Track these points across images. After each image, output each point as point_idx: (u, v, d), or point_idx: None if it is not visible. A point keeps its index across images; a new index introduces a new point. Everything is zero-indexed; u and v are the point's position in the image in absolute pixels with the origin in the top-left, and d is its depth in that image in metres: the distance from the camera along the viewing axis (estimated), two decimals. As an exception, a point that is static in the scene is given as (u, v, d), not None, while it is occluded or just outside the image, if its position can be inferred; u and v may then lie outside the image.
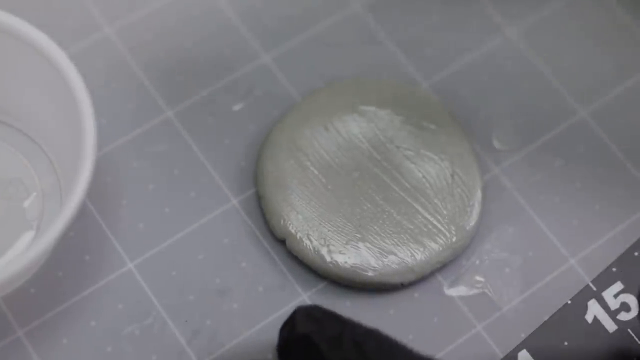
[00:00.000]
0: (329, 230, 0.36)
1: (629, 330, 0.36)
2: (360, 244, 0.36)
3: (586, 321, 0.37)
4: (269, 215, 0.37)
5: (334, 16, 0.41)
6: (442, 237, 0.37)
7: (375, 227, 0.36)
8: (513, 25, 0.42)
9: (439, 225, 0.37)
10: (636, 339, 0.36)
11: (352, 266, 0.36)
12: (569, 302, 0.37)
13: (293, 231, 0.36)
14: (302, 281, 0.36)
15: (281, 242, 0.37)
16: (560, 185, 0.39)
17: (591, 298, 0.37)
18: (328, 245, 0.36)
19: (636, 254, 0.38)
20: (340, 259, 0.36)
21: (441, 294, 0.37)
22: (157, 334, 0.35)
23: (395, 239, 0.36)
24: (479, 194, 0.38)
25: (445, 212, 0.37)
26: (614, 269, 0.37)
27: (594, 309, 0.37)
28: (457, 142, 0.38)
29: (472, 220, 0.37)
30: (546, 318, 0.37)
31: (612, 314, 0.37)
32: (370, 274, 0.36)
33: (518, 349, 0.36)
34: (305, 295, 0.36)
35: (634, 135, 0.40)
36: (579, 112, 0.40)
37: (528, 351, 0.36)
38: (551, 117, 0.40)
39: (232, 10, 0.41)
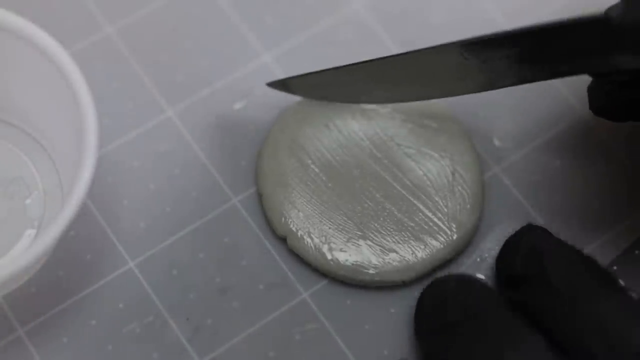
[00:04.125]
0: (329, 228, 0.36)
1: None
2: (361, 242, 0.36)
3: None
4: (270, 213, 0.37)
5: (334, 16, 0.42)
6: (442, 235, 0.37)
7: (376, 225, 0.37)
8: (515, 24, 0.42)
9: (439, 223, 0.37)
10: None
11: (353, 264, 0.36)
12: (570, 300, 0.37)
13: (294, 229, 0.36)
14: (302, 279, 0.36)
15: (282, 240, 0.37)
16: (561, 183, 0.39)
17: (592, 296, 0.37)
18: (329, 243, 0.36)
19: (637, 252, 0.38)
20: (341, 256, 0.36)
21: (442, 292, 0.37)
22: (158, 332, 0.35)
23: (396, 237, 0.36)
24: (479, 192, 0.38)
25: (446, 209, 0.37)
26: (614, 268, 0.37)
27: (594, 307, 0.37)
28: (458, 140, 0.38)
29: (473, 218, 0.37)
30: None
31: (613, 312, 0.37)
32: (371, 271, 0.36)
33: (519, 347, 0.36)
34: (306, 294, 0.36)
35: (633, 134, 0.40)
36: (579, 110, 0.40)
37: (529, 349, 0.36)
38: (552, 116, 0.40)
39: (232, 10, 0.41)
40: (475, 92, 0.37)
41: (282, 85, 0.38)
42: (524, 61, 0.35)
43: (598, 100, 0.36)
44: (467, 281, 0.34)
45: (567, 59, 0.34)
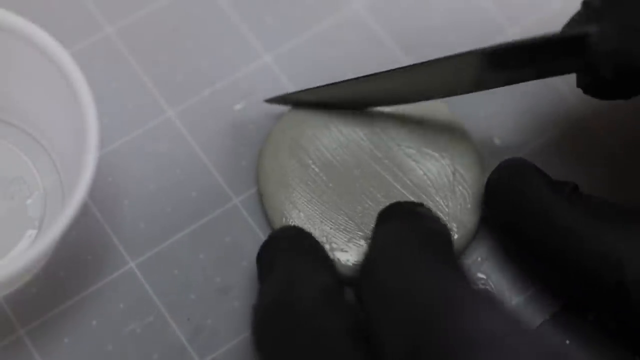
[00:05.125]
0: (330, 228, 0.36)
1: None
2: (362, 242, 0.36)
3: (588, 319, 0.37)
4: (271, 213, 0.37)
5: (334, 16, 0.42)
6: (443, 235, 0.37)
7: (377, 225, 0.37)
8: (515, 25, 0.42)
9: (440, 223, 0.37)
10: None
11: (354, 264, 0.36)
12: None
13: (295, 229, 0.36)
14: (303, 279, 0.36)
15: (283, 241, 0.37)
16: (561, 183, 0.39)
17: (592, 296, 0.37)
18: (330, 243, 0.36)
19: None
20: (342, 257, 0.36)
21: (443, 292, 0.37)
22: (158, 332, 0.35)
23: (397, 237, 0.36)
24: (480, 192, 0.38)
25: (447, 209, 0.37)
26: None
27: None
28: (458, 140, 0.38)
29: (474, 218, 0.37)
30: (548, 317, 0.37)
31: (613, 312, 0.37)
32: (372, 271, 0.36)
33: (519, 347, 0.36)
34: (307, 294, 0.36)
35: (633, 134, 0.40)
36: (579, 110, 0.40)
37: (529, 349, 0.36)
38: (552, 115, 0.40)
39: (232, 10, 0.41)
40: (469, 92, 0.37)
41: (281, 101, 0.38)
42: (512, 68, 0.35)
43: (585, 77, 0.35)
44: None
45: (552, 69, 0.35)
